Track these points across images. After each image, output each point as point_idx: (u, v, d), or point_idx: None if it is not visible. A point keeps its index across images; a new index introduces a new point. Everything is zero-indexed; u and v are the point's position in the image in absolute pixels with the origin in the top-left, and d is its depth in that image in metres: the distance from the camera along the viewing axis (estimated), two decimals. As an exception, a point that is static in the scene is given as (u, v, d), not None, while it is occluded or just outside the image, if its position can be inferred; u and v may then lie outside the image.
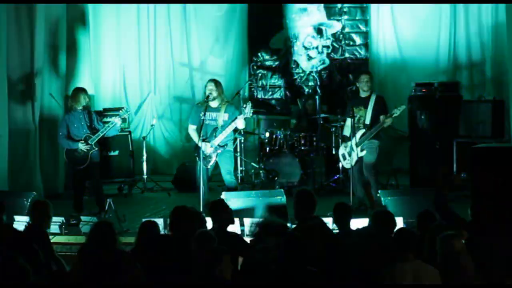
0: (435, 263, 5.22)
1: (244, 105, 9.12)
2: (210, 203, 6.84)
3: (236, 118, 8.96)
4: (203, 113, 8.95)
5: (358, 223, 6.75)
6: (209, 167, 9.07)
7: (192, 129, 9.21)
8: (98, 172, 9.44)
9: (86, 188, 10.89)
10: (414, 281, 5.08)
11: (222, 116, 9.03)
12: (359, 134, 9.15)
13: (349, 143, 9.26)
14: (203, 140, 8.89)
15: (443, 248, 5.16)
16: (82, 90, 9.55)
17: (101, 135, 9.24)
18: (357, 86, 9.40)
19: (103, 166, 10.98)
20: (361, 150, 9.12)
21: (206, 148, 8.93)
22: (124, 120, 9.65)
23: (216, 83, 9.12)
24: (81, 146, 9.23)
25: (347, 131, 9.44)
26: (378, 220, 5.97)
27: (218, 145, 8.99)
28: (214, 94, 9.00)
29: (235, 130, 9.29)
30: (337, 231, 6.43)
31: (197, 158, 9.05)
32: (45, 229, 6.63)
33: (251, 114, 11.06)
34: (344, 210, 6.38)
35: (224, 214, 6.43)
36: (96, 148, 9.27)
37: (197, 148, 9.01)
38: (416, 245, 5.29)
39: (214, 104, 9.04)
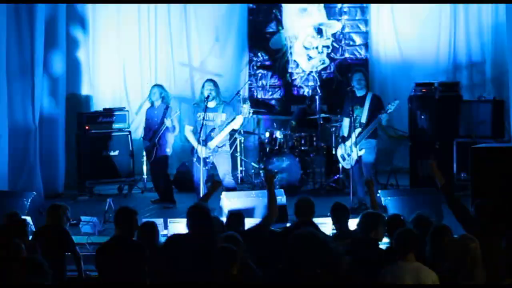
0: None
1: (243, 105, 9.15)
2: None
3: (234, 118, 8.96)
4: (201, 114, 8.95)
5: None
6: (207, 168, 9.07)
7: (188, 130, 9.21)
8: (162, 168, 10.04)
9: (86, 187, 10.95)
10: (414, 282, 5.08)
11: (220, 117, 9.02)
12: (355, 133, 9.15)
13: (347, 143, 9.26)
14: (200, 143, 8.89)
15: (458, 250, 5.16)
16: (155, 86, 10.39)
17: (158, 134, 9.95)
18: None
19: (103, 166, 11.02)
20: (360, 150, 9.12)
21: (204, 152, 8.92)
22: (172, 120, 10.03)
23: (215, 83, 9.13)
24: (145, 142, 10.22)
25: (345, 131, 9.44)
26: (364, 222, 5.94)
27: (217, 146, 8.99)
28: (214, 94, 9.01)
29: (233, 130, 9.29)
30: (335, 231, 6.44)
31: (194, 160, 9.05)
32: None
33: (250, 114, 11.08)
34: (342, 210, 6.38)
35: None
36: (158, 146, 9.94)
37: (194, 150, 9.02)
38: (417, 245, 5.28)
39: (211, 104, 9.03)
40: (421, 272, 5.15)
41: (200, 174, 8.84)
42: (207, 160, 9.00)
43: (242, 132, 11.18)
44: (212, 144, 8.98)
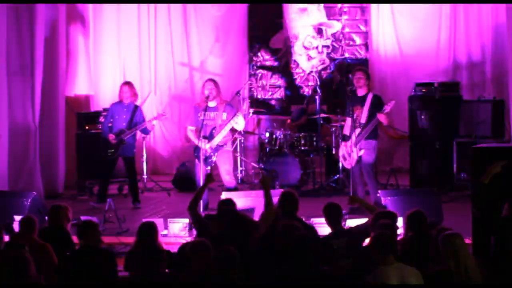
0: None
1: (242, 105, 9.17)
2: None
3: (234, 116, 8.96)
4: (202, 113, 8.96)
5: (358, 223, 6.75)
6: (208, 168, 9.07)
7: (190, 131, 9.21)
8: (130, 167, 9.89)
9: (86, 187, 10.95)
10: (399, 283, 5.07)
11: (220, 116, 9.03)
12: (355, 133, 9.14)
13: (348, 143, 9.24)
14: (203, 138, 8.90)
15: (446, 248, 5.16)
16: (125, 84, 10.07)
17: (130, 134, 9.68)
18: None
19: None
20: (359, 150, 9.10)
21: (206, 146, 8.93)
22: (152, 122, 9.92)
23: (215, 82, 9.14)
24: (111, 139, 9.66)
25: (347, 131, 9.43)
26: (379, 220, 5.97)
27: (217, 145, 9.00)
28: (214, 93, 9.01)
29: (234, 130, 9.28)
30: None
31: (197, 160, 9.05)
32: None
33: (250, 113, 11.04)
34: (335, 210, 6.37)
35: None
36: (125, 144, 9.67)
37: (197, 149, 9.02)
38: (395, 247, 5.30)
39: (212, 103, 9.04)
40: (404, 271, 5.15)
41: (201, 173, 8.85)
42: (209, 160, 9.01)
43: (242, 132, 11.17)
44: (213, 143, 8.98)
